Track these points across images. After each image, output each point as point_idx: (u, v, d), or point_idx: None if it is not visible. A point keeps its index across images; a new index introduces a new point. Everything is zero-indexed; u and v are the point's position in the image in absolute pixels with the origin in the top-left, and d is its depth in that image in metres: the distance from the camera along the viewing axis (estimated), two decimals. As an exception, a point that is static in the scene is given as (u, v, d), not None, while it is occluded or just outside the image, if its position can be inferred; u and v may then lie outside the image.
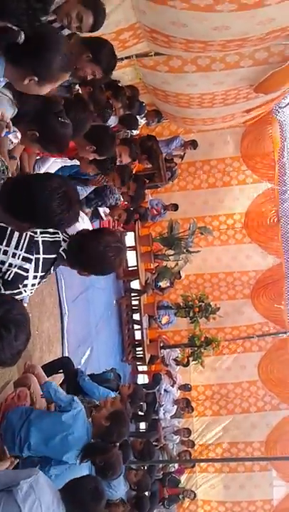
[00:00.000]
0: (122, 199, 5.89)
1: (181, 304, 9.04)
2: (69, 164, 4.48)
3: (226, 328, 10.18)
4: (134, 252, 8.37)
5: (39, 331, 4.69)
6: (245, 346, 10.47)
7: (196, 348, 8.79)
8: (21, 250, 2.28)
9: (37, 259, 2.36)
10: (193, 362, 9.03)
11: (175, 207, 9.35)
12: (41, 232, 2.39)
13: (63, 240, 2.48)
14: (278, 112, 9.22)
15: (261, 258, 10.23)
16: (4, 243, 2.25)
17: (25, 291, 2.39)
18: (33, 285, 2.41)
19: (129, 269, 8.78)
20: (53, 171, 4.24)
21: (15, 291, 2.33)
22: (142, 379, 9.81)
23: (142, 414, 8.36)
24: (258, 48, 5.78)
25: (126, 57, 6.08)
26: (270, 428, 10.40)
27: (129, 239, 8.44)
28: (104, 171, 4.26)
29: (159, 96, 7.49)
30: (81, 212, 2.62)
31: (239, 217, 10.17)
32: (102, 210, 6.09)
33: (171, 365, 9.47)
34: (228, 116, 8.30)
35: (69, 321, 5.41)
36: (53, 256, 2.45)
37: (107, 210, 6.28)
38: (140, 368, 9.44)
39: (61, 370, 4.76)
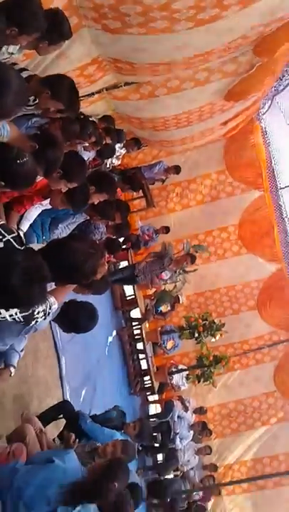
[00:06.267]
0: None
1: (185, 326, 8.87)
2: (49, 207, 4.38)
3: (235, 343, 9.96)
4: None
5: (35, 378, 4.55)
6: (256, 358, 10.23)
7: (205, 369, 8.60)
8: None
9: None
10: (205, 383, 8.81)
11: (166, 229, 9.21)
12: None
13: None
14: (261, 120, 9.13)
15: (261, 267, 10.06)
16: None
17: None
18: None
19: (127, 298, 8.64)
20: (32, 217, 4.15)
21: None
22: (154, 409, 9.58)
23: (158, 445, 8.12)
24: (225, 59, 5.74)
25: (96, 92, 6.01)
26: (294, 438, 10.11)
27: (123, 268, 8.33)
28: (77, 207, 4.17)
29: (134, 123, 7.45)
30: None
31: (233, 229, 10.03)
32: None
33: (184, 384, 9.23)
34: (206, 131, 8.24)
35: (67, 363, 5.27)
36: None
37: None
38: (150, 398, 9.22)
39: (61, 415, 4.61)
